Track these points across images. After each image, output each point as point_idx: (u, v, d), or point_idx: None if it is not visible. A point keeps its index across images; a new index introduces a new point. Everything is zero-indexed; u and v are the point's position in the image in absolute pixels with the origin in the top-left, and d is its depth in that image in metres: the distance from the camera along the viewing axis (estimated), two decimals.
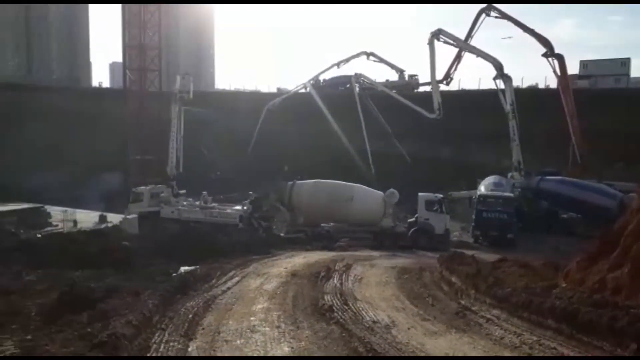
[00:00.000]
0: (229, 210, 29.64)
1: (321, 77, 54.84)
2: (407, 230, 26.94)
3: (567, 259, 12.91)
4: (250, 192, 30.17)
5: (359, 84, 45.93)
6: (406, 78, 55.76)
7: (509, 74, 35.08)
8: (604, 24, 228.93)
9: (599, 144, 36.37)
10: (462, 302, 11.23)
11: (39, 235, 24.13)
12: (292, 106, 47.06)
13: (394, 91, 44.69)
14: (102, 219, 29.49)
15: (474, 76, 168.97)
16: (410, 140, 45.80)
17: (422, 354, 8.22)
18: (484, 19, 38.85)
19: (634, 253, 8.97)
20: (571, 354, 7.80)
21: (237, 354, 8.31)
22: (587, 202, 29.77)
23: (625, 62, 56.39)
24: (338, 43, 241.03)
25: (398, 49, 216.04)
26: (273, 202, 29.85)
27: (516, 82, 41.69)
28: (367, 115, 43.64)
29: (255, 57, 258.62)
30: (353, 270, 15.39)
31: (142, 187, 31.30)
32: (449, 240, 26.68)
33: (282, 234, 27.55)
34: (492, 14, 38.58)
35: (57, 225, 27.84)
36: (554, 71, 37.50)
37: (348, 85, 50.47)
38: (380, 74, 68.97)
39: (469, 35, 39.45)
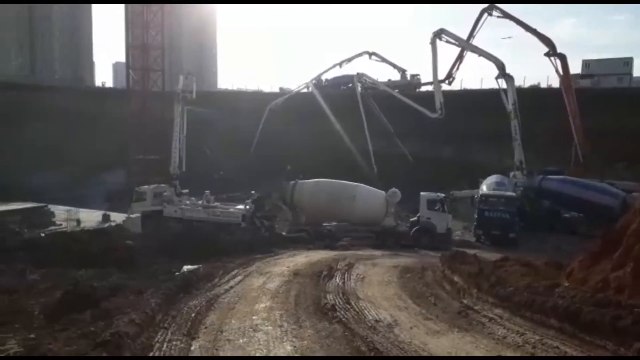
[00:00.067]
0: (231, 210, 29.70)
1: (323, 77, 54.86)
2: (409, 230, 26.97)
3: (569, 258, 12.91)
4: (253, 192, 30.23)
5: (361, 83, 45.85)
6: (408, 78, 55.66)
7: (511, 73, 35.06)
8: (606, 24, 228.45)
9: (601, 143, 36.29)
10: (465, 301, 11.23)
11: (43, 235, 24.19)
12: (294, 106, 47.04)
13: (396, 91, 44.60)
14: (106, 218, 29.53)
15: (476, 76, 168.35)
16: (413, 139, 45.79)
17: (425, 354, 8.22)
18: (486, 18, 38.81)
19: (636, 252, 8.94)
20: (574, 354, 7.79)
21: (239, 353, 8.32)
22: (590, 201, 29.73)
23: (628, 62, 56.28)
24: (338, 43, 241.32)
25: (396, 49, 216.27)
26: (275, 201, 29.93)
27: (518, 82, 41.76)
28: (369, 114, 43.60)
29: (256, 57, 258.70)
30: (355, 269, 15.38)
31: (145, 187, 31.40)
32: (451, 239, 26.70)
33: (284, 233, 27.60)
34: (495, 13, 38.53)
35: (60, 225, 27.88)
36: (556, 70, 37.43)
37: (350, 85, 50.43)
38: (382, 74, 69.04)
39: (471, 34, 39.42)
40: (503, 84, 35.23)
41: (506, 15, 38.31)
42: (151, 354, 8.05)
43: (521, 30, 37.88)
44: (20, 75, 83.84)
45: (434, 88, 38.68)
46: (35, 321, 10.46)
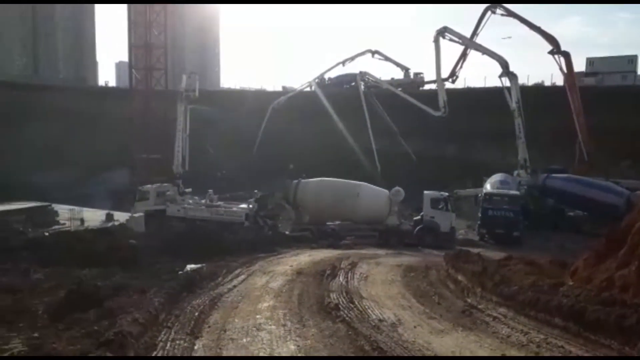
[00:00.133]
0: (234, 209, 29.70)
1: (326, 76, 54.86)
2: (412, 229, 26.91)
3: (573, 256, 12.87)
4: (256, 191, 30.23)
5: (364, 82, 45.81)
6: (411, 76, 55.69)
7: (515, 71, 34.94)
8: (610, 22, 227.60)
9: (605, 141, 36.11)
10: (469, 300, 11.21)
11: (47, 234, 24.18)
12: (297, 105, 47.00)
13: (399, 89, 44.50)
14: (109, 217, 29.56)
15: (479, 74, 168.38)
16: (416, 138, 45.67)
17: (429, 353, 8.19)
18: (489, 16, 38.72)
19: None
20: (579, 353, 7.75)
21: (243, 352, 8.31)
22: (594, 199, 29.60)
23: (632, 60, 55.91)
24: (338, 43, 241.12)
25: (398, 48, 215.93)
26: (278, 200, 29.92)
27: (522, 80, 41.47)
28: (372, 113, 43.53)
29: (257, 57, 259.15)
30: (359, 268, 15.38)
31: (149, 186, 31.40)
32: (455, 238, 26.60)
33: (287, 232, 27.58)
34: (498, 11, 38.40)
35: (64, 224, 27.90)
36: (560, 69, 37.27)
37: (353, 84, 50.31)
38: (385, 73, 68.98)
39: (475, 33, 39.33)
40: (507, 82, 35.06)
41: (510, 14, 38.13)
42: (155, 354, 8.04)
43: (523, 29, 37.81)
44: (23, 75, 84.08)
45: (437, 86, 38.63)
46: (39, 320, 10.48)
